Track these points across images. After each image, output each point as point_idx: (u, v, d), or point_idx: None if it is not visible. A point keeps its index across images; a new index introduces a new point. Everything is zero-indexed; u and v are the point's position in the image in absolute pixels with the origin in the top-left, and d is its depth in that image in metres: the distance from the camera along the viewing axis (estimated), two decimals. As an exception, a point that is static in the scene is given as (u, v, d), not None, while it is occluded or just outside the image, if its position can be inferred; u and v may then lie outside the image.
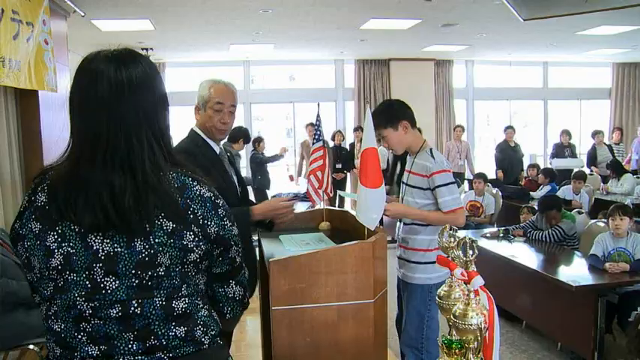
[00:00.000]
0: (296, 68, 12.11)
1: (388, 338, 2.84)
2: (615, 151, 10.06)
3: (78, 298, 1.30)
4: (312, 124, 9.57)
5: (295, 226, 3.42)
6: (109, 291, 1.30)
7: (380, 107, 3.17)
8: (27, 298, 3.40)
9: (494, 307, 1.17)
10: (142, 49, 8.72)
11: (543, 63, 12.78)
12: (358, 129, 9.55)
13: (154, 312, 1.33)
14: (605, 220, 4.65)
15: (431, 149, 3.04)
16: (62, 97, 5.58)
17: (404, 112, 3.07)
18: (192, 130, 2.75)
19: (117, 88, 1.33)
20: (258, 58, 11.07)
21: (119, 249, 1.30)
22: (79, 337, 1.32)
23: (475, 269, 1.18)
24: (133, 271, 1.30)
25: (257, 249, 3.05)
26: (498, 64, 12.51)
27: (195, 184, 1.38)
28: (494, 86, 12.75)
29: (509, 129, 9.67)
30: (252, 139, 8.34)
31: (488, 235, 5.34)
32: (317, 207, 3.58)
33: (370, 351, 2.52)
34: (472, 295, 1.17)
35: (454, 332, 1.20)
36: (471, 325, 1.15)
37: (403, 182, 3.15)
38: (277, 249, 2.88)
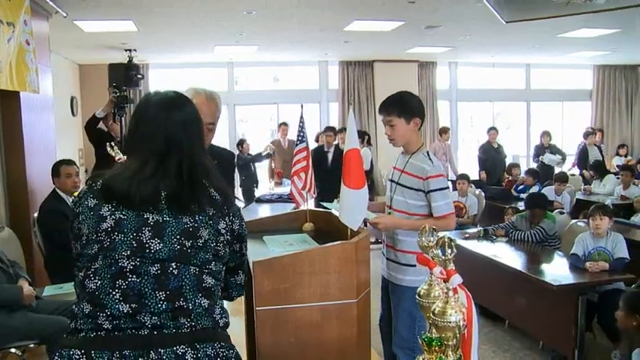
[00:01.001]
0: (280, 70, 12.11)
1: (372, 338, 2.87)
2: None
3: (122, 255, 1.47)
4: (284, 124, 9.60)
5: (279, 227, 3.44)
6: (152, 250, 1.48)
7: (398, 95, 3.06)
8: (9, 301, 3.38)
9: (473, 304, 1.20)
10: (126, 50, 8.68)
11: (526, 65, 12.89)
12: (342, 130, 9.56)
13: (187, 277, 1.51)
14: (586, 221, 4.71)
15: (427, 152, 3.02)
16: (44, 99, 5.55)
17: (421, 110, 3.04)
18: None
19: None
20: (242, 60, 11.05)
21: (167, 218, 1.52)
22: (113, 293, 1.44)
23: (454, 268, 1.20)
24: (178, 237, 1.51)
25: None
26: (481, 66, 12.60)
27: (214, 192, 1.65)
28: (478, 88, 12.84)
29: (492, 130, 9.76)
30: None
31: (467, 235, 5.37)
32: (301, 208, 3.60)
33: (354, 350, 2.55)
34: (451, 293, 1.19)
35: (434, 330, 1.22)
36: (449, 322, 1.17)
37: (393, 181, 3.09)
38: (261, 250, 2.89)
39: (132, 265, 1.46)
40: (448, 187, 3.03)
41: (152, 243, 1.49)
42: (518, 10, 6.68)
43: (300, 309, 2.46)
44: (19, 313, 3.38)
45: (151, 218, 1.51)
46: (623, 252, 4.21)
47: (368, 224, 2.92)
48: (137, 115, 1.67)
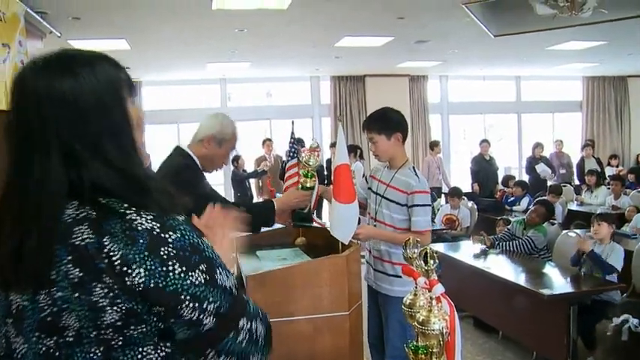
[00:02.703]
0: (273, 85, 12.18)
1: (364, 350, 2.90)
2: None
3: None
4: (269, 140, 9.61)
5: (272, 241, 3.47)
6: (19, 356, 1.01)
7: (380, 112, 3.17)
8: None
9: (455, 312, 1.24)
10: (119, 68, 8.73)
11: (516, 77, 13.02)
12: (333, 145, 9.60)
13: None
14: (577, 231, 4.78)
15: (413, 167, 3.09)
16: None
17: (401, 124, 3.11)
18: (182, 149, 2.74)
19: None
20: (234, 76, 11.12)
21: (26, 302, 1.00)
22: None
23: (436, 278, 1.25)
24: (37, 334, 0.98)
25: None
26: (472, 79, 12.71)
27: (129, 212, 1.00)
28: (469, 100, 12.95)
29: (484, 142, 9.83)
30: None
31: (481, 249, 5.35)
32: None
33: (346, 362, 2.58)
34: (434, 302, 1.24)
35: (420, 338, 1.26)
36: (433, 330, 1.21)
37: (378, 194, 3.13)
38: (254, 264, 2.92)
39: None
40: (430, 205, 3.10)
41: (17, 344, 1.01)
42: (506, 24, 6.77)
43: (293, 322, 2.49)
44: None
45: (14, 301, 1.01)
46: (615, 262, 4.24)
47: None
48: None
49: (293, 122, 3.70)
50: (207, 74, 10.50)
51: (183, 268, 0.99)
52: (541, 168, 9.72)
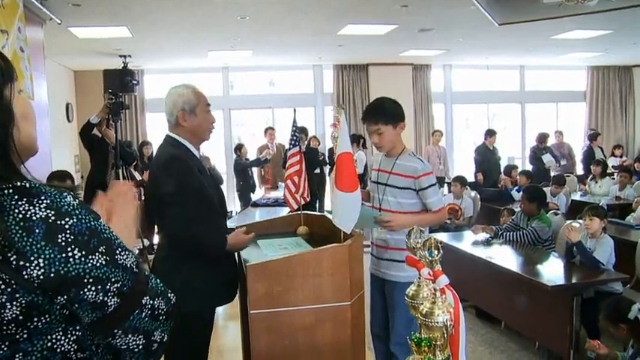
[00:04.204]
0: (275, 74, 12.13)
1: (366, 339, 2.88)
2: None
3: None
4: (271, 128, 9.59)
5: (274, 230, 3.45)
6: None
7: (382, 102, 3.17)
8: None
9: (460, 304, 1.21)
10: (120, 56, 8.70)
11: (520, 66, 12.92)
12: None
13: None
14: (580, 222, 4.74)
15: (413, 152, 3.14)
16: (39, 105, 5.55)
17: (403, 114, 3.15)
18: (171, 137, 2.73)
19: None
20: (237, 64, 11.08)
21: None
22: None
23: (440, 269, 1.22)
24: None
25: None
26: (476, 68, 12.61)
27: (21, 203, 0.97)
28: (472, 90, 12.87)
29: (492, 133, 9.77)
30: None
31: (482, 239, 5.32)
32: (295, 211, 3.61)
33: (348, 352, 2.56)
34: (438, 294, 1.20)
35: (423, 330, 1.23)
36: (437, 322, 1.18)
37: (380, 183, 3.14)
38: (255, 253, 2.90)
39: None
40: (437, 183, 3.16)
41: None
42: (511, 13, 6.71)
43: (294, 312, 2.47)
44: None
45: None
46: (600, 255, 4.21)
47: (378, 226, 2.98)
48: None
49: (295, 110, 3.67)
50: (210, 62, 10.45)
51: (83, 252, 0.99)
52: (547, 158, 9.69)
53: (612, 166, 10.68)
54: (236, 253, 3.04)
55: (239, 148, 9.21)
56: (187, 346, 2.59)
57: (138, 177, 7.38)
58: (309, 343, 2.50)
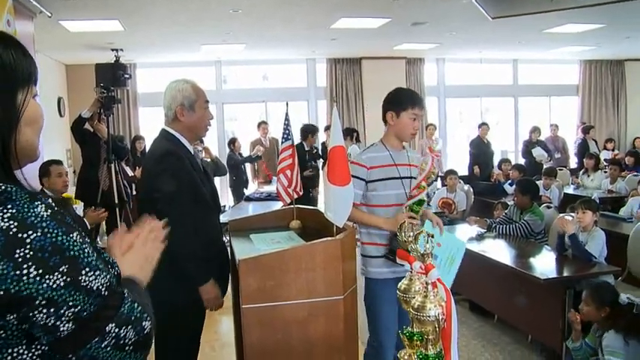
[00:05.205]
0: (269, 68, 12.09)
1: (359, 333, 2.88)
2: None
3: None
4: (264, 122, 9.56)
5: (267, 225, 3.44)
6: None
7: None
8: None
9: (452, 298, 1.20)
10: (112, 49, 8.64)
11: (513, 60, 12.94)
12: (328, 128, 9.55)
13: None
14: (572, 214, 4.75)
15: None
16: (30, 100, 5.50)
17: None
18: (166, 131, 2.72)
19: None
20: (229, 58, 11.03)
21: None
22: None
23: (432, 262, 1.21)
24: None
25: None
26: (469, 62, 12.61)
27: None
28: (466, 84, 12.87)
29: (484, 125, 9.85)
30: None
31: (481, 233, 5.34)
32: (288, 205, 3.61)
33: (341, 346, 2.56)
34: (430, 288, 1.20)
35: (415, 324, 1.23)
36: (429, 316, 1.18)
37: (405, 177, 3.09)
38: (248, 247, 2.89)
39: None
40: None
41: None
42: (504, 6, 6.71)
43: (287, 306, 2.46)
44: None
45: None
46: (592, 248, 4.23)
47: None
48: None
49: (287, 104, 3.65)
50: (202, 56, 10.41)
51: (40, 271, 0.91)
52: (538, 152, 9.72)
53: (604, 160, 10.73)
54: (228, 248, 3.03)
55: (233, 142, 9.19)
56: (178, 338, 2.59)
57: (130, 172, 7.35)
58: (302, 338, 2.49)
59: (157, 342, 2.65)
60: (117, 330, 1.01)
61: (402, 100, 3.07)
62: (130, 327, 1.04)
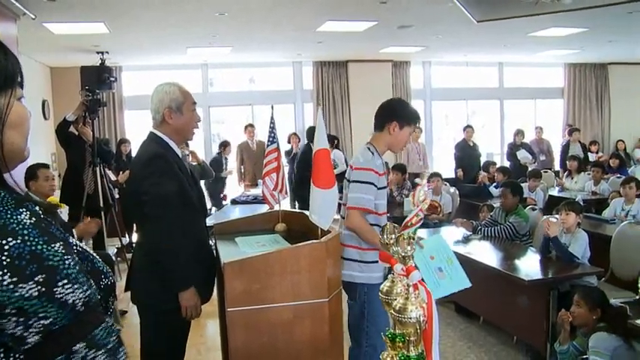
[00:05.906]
0: (255, 71, 12.07)
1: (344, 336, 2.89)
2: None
3: None
4: (251, 125, 9.55)
5: (252, 228, 3.44)
6: None
7: None
8: None
9: (433, 300, 1.21)
10: (98, 52, 8.60)
11: (498, 63, 13.02)
12: (313, 130, 9.51)
13: None
14: (557, 216, 4.80)
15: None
16: (14, 103, 5.46)
17: None
18: (155, 134, 2.71)
19: None
20: (216, 61, 11.01)
21: None
22: None
23: (413, 264, 1.22)
24: None
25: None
26: (455, 65, 12.68)
27: None
28: (452, 87, 12.92)
29: (469, 128, 9.90)
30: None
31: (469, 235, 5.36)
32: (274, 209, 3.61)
33: (326, 349, 2.56)
34: (411, 290, 1.21)
35: (397, 326, 1.24)
36: (410, 318, 1.19)
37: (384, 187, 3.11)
38: (233, 250, 2.89)
39: None
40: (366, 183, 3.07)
41: None
42: (489, 10, 6.76)
43: (272, 309, 2.47)
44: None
45: None
46: (575, 250, 4.28)
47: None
48: None
49: (272, 107, 3.66)
50: (189, 59, 10.37)
51: (14, 279, 0.89)
52: (522, 154, 9.80)
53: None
54: (214, 251, 3.03)
55: (224, 145, 9.18)
56: (164, 342, 2.59)
57: (112, 177, 7.31)
58: (287, 340, 2.50)
59: (144, 346, 2.64)
60: (86, 351, 0.96)
61: (410, 116, 3.12)
62: (100, 353, 0.98)
